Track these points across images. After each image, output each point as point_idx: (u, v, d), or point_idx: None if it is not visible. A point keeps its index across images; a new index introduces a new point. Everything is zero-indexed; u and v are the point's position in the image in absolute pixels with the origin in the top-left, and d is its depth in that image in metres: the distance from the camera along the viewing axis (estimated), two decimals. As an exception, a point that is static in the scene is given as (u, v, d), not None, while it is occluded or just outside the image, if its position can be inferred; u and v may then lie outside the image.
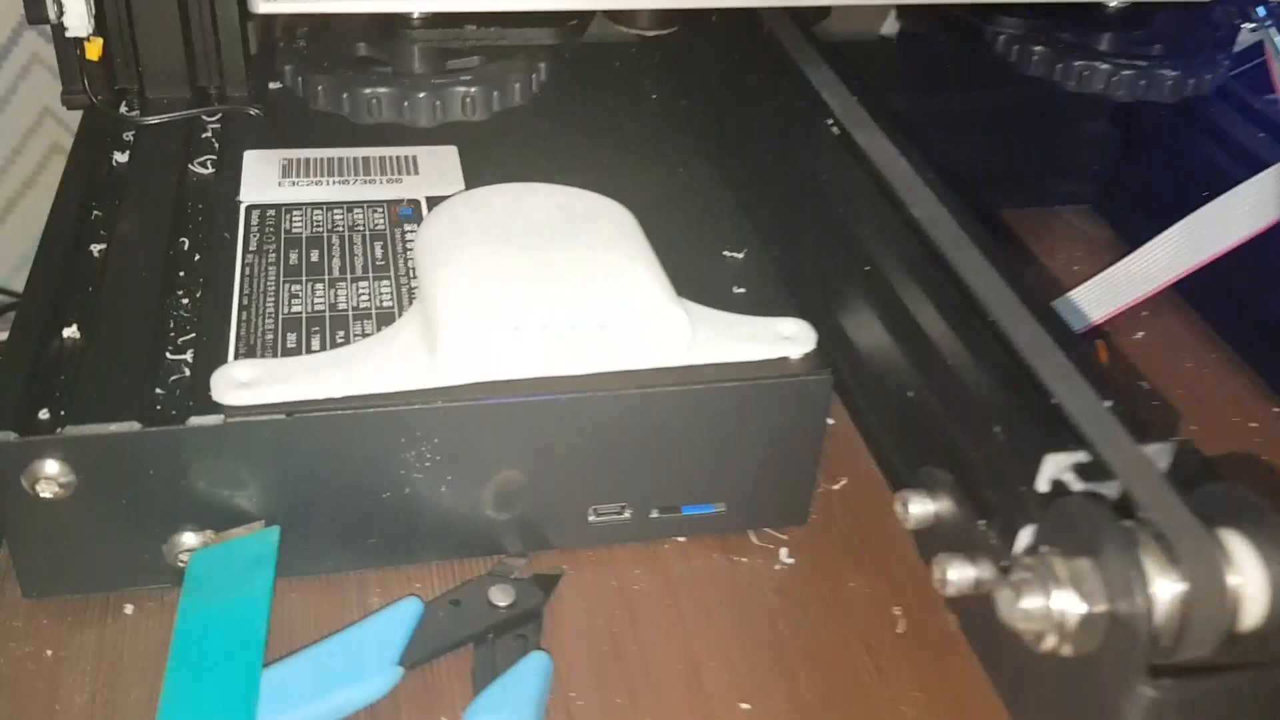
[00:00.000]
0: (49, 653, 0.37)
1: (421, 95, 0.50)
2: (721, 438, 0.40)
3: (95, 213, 0.45)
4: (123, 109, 0.52)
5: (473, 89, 0.51)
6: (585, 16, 0.53)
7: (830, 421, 0.45)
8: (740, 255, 0.44)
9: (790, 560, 0.42)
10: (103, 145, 0.49)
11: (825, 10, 0.53)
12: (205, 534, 0.37)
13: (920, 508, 0.34)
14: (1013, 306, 0.33)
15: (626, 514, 0.41)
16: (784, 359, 0.40)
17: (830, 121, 0.44)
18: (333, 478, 0.37)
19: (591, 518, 0.40)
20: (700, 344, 0.39)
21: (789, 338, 0.40)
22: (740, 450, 0.40)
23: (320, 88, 0.51)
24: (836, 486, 0.45)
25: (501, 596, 0.38)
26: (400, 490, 0.38)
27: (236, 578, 0.36)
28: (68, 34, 0.48)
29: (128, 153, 0.49)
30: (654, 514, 0.41)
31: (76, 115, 0.52)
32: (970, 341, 0.33)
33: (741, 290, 0.43)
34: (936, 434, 0.35)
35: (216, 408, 0.36)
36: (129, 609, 0.38)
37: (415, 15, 0.50)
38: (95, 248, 0.43)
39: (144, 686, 0.36)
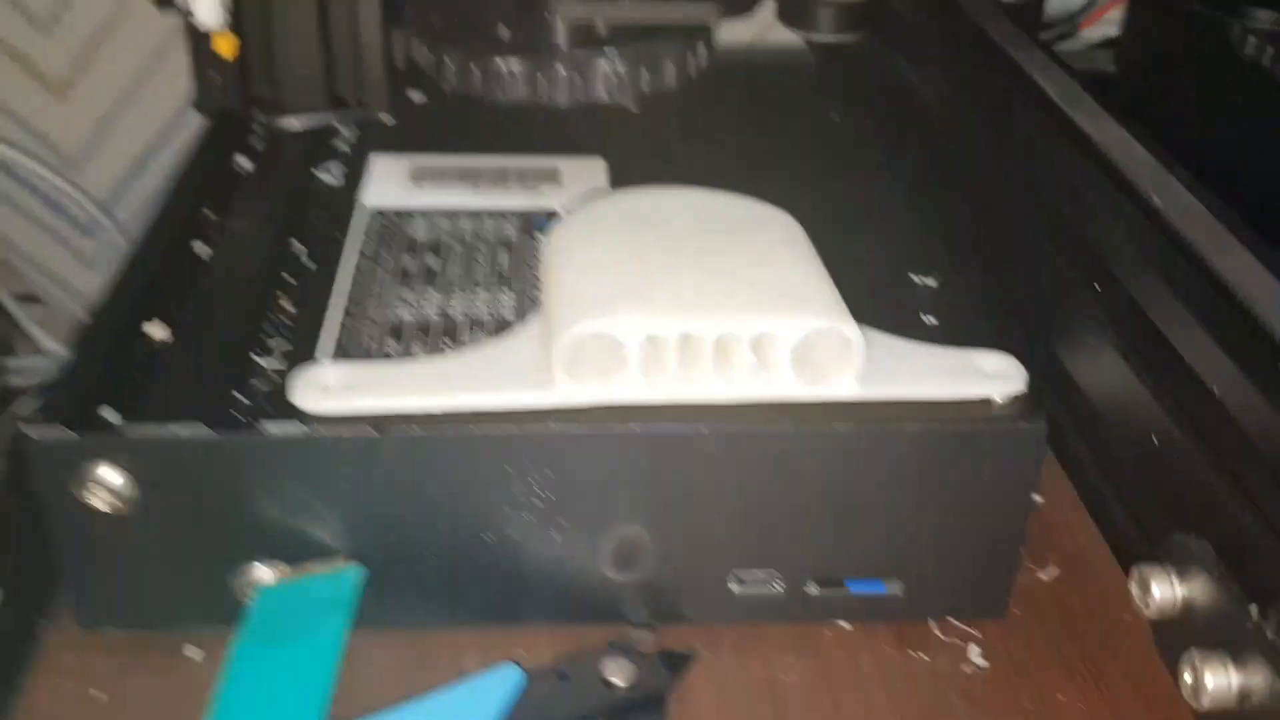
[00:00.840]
0: (100, 697, 0.32)
1: (561, 69, 0.44)
2: (901, 496, 0.32)
3: (206, 212, 0.41)
4: (255, 113, 0.48)
5: (619, 64, 0.44)
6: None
7: (1038, 499, 0.36)
8: (931, 280, 0.37)
9: (982, 662, 0.34)
10: (226, 149, 0.45)
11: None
12: (278, 567, 0.31)
13: (1165, 589, 0.26)
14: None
15: (777, 585, 0.33)
16: (985, 401, 0.32)
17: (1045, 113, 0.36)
18: (427, 509, 0.31)
19: (734, 586, 0.33)
20: (879, 376, 0.32)
21: (992, 375, 0.32)
22: (925, 514, 0.32)
23: (451, 62, 0.46)
24: (1045, 575, 0.36)
25: (619, 674, 0.31)
26: (504, 531, 0.31)
27: (305, 621, 0.30)
28: (195, 22, 0.45)
29: (251, 158, 0.45)
30: (812, 588, 0.33)
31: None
32: (1246, 364, 0.25)
33: (932, 319, 0.35)
34: (1192, 491, 0.26)
35: (297, 416, 0.30)
36: (194, 653, 0.33)
37: None
38: (199, 245, 0.39)
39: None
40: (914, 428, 0.31)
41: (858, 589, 0.33)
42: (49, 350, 0.73)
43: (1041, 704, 0.32)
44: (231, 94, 0.47)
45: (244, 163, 0.45)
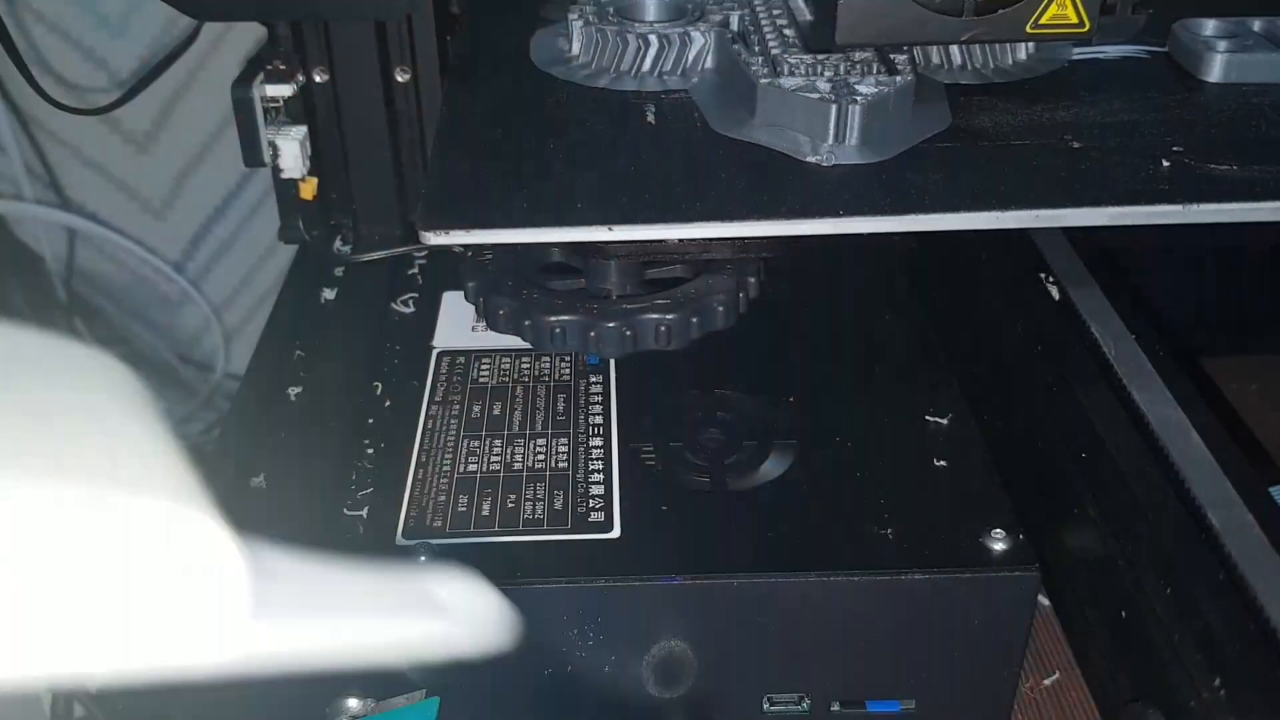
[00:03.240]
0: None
1: (610, 325, 0.42)
2: (913, 630, 0.36)
3: (298, 352, 0.46)
4: (337, 244, 0.53)
5: (668, 317, 0.42)
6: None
7: (1045, 601, 0.40)
8: (944, 421, 0.41)
9: (988, 770, 0.38)
10: (313, 281, 0.50)
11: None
12: (366, 702, 0.36)
13: (1138, 748, 0.30)
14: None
15: (804, 704, 0.37)
16: (986, 548, 0.36)
17: (1047, 277, 0.40)
18: (495, 651, 0.36)
19: (766, 706, 0.37)
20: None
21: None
22: (934, 645, 0.36)
23: (500, 311, 0.43)
24: (1048, 683, 0.40)
25: (664, 789, 0.36)
26: (562, 667, 0.36)
27: (394, 750, 0.35)
28: (282, 175, 0.50)
29: (336, 290, 0.50)
30: (835, 707, 0.37)
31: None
32: (1198, 564, 0.29)
33: (943, 464, 0.39)
34: (1151, 668, 0.30)
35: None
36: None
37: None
38: (293, 391, 0.44)
39: None
40: (925, 576, 0.35)
41: (876, 708, 0.38)
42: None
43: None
44: (312, 228, 0.52)
45: (328, 293, 0.50)
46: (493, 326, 0.43)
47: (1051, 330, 0.39)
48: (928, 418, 0.41)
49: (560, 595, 0.35)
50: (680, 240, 0.41)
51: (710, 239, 0.39)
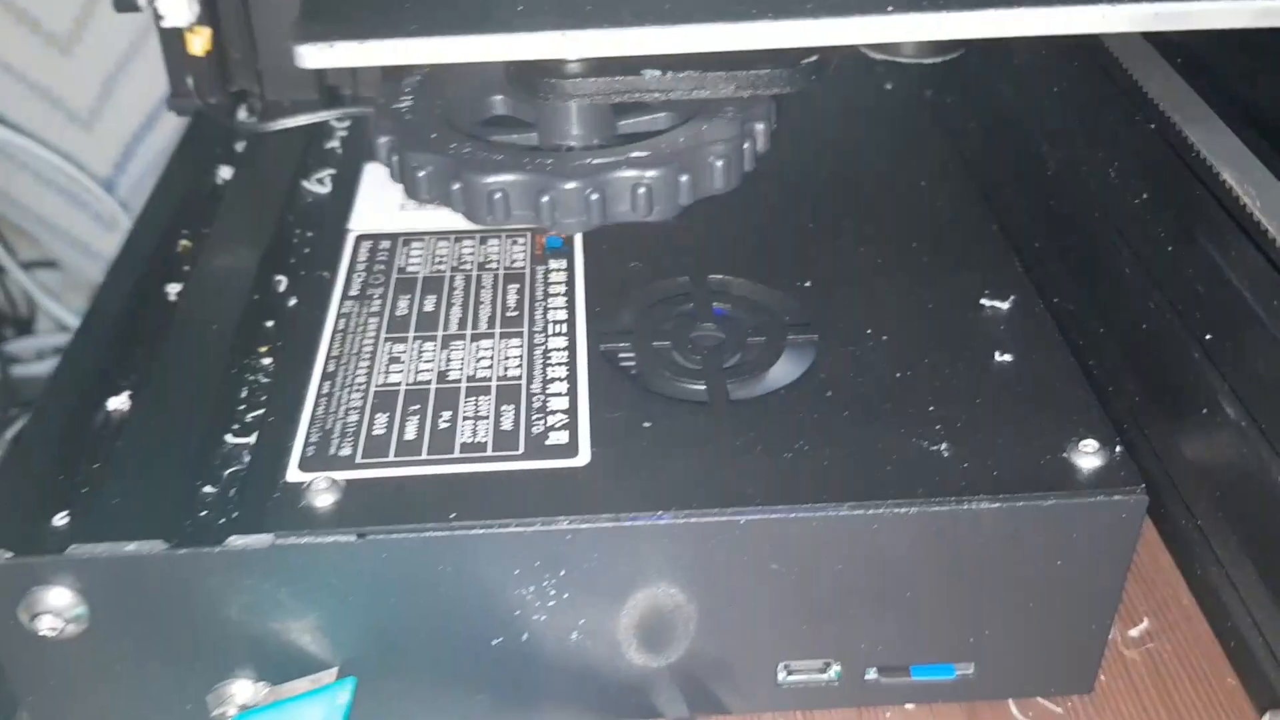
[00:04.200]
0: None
1: (570, 186, 0.32)
2: (975, 575, 0.27)
3: (182, 242, 0.37)
4: (242, 115, 0.44)
5: (649, 174, 0.32)
6: (826, 51, 0.33)
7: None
8: (1005, 305, 0.32)
9: (1068, 744, 0.29)
10: (205, 158, 0.41)
11: None
12: (259, 686, 0.28)
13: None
14: None
15: (832, 672, 0.29)
16: (1072, 465, 0.27)
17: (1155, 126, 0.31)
18: (426, 617, 0.27)
19: (783, 676, 0.29)
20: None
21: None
22: (1004, 595, 0.28)
23: (420, 173, 0.33)
24: (1134, 632, 0.32)
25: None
26: (517, 635, 0.28)
27: (293, 749, 0.27)
28: (163, 23, 0.40)
29: (234, 165, 0.40)
30: (871, 675, 0.29)
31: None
32: None
33: (1006, 358, 0.30)
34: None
35: (267, 522, 0.26)
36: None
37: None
38: (172, 288, 0.35)
39: None
40: (991, 505, 0.26)
41: (923, 675, 0.29)
42: (64, 321, 0.70)
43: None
44: (208, 93, 0.42)
45: (225, 173, 0.40)
46: (412, 193, 0.33)
47: (1153, 172, 0.30)
48: (983, 302, 0.32)
49: (511, 543, 0.26)
50: (666, 73, 0.31)
51: (716, 52, 0.29)
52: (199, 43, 0.41)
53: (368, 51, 0.24)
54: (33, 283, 0.71)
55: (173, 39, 0.41)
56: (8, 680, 0.28)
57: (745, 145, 0.33)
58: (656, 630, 0.28)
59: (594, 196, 0.31)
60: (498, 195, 0.31)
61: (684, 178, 0.32)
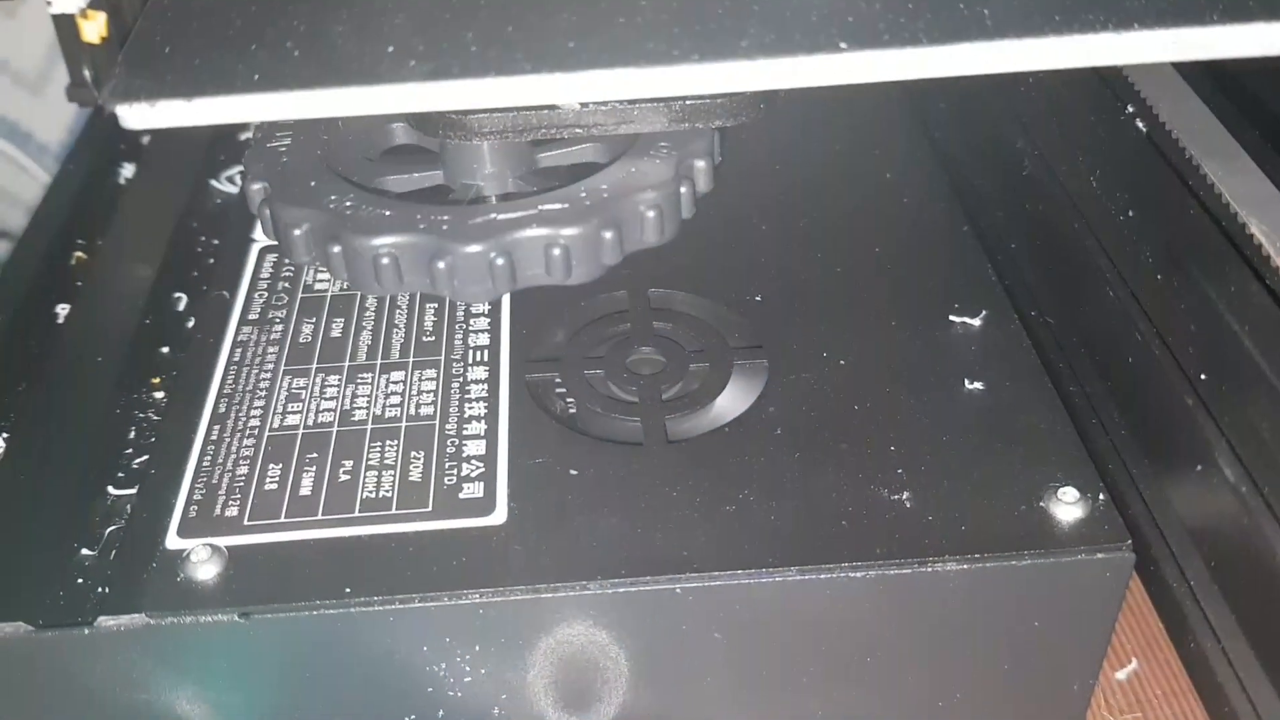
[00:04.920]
0: None
1: (471, 250, 0.26)
2: (943, 639, 0.24)
3: (77, 254, 0.33)
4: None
5: (564, 234, 0.26)
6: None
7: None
8: (976, 321, 0.29)
9: (1048, 808, 0.27)
10: (104, 155, 0.37)
11: None
12: (146, 769, 0.25)
13: None
14: None
15: (788, 737, 0.26)
16: (1050, 517, 0.24)
17: (1133, 110, 0.27)
18: (327, 694, 0.24)
19: (733, 741, 0.26)
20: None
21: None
22: (974, 657, 0.25)
23: (295, 231, 0.27)
24: (1120, 675, 0.29)
25: None
26: (431, 712, 0.25)
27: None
28: (52, 10, 0.36)
29: (135, 165, 0.37)
30: (832, 737, 0.26)
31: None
32: None
33: (977, 386, 0.27)
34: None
35: (141, 599, 0.23)
36: None
37: None
38: (60, 309, 0.31)
39: None
40: (958, 566, 0.23)
41: (892, 739, 0.26)
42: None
43: None
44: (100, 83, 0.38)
45: (127, 171, 0.37)
46: (287, 254, 0.28)
47: (1142, 184, 0.27)
48: (952, 318, 0.29)
49: (416, 618, 0.23)
50: (587, 104, 0.27)
51: (625, 102, 0.25)
52: (93, 29, 0.37)
53: (199, 110, 0.20)
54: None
55: (66, 25, 0.37)
56: None
57: (683, 189, 0.28)
58: (588, 702, 0.25)
59: (500, 261, 0.26)
60: (385, 261, 0.26)
61: (608, 234, 0.27)
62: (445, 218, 0.27)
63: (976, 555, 0.23)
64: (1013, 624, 0.24)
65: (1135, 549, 0.23)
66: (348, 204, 0.27)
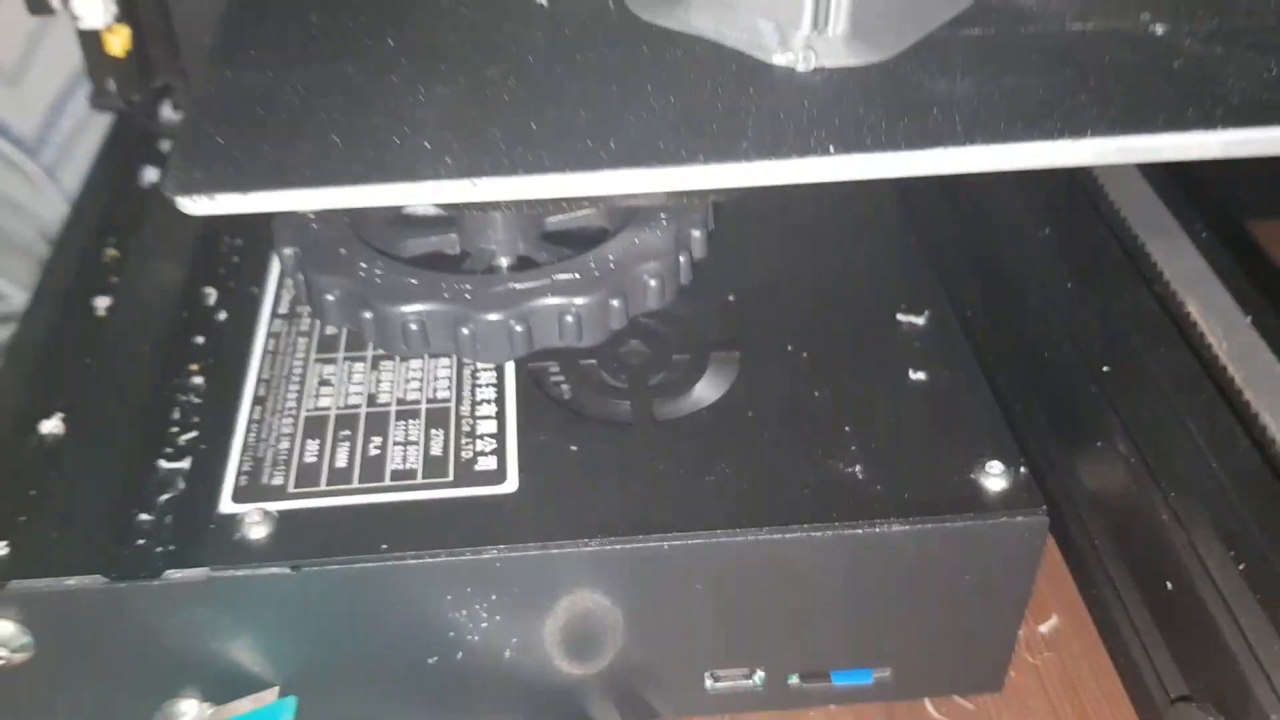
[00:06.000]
0: None
1: (492, 319, 0.30)
2: (889, 589, 0.29)
3: (109, 251, 0.37)
4: (167, 112, 0.43)
5: (576, 303, 0.30)
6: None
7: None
8: (920, 320, 0.33)
9: (978, 739, 0.31)
10: (131, 159, 0.40)
11: None
12: (204, 706, 0.28)
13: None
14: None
15: (756, 679, 0.30)
16: (979, 486, 0.28)
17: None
18: (363, 639, 0.28)
19: (709, 683, 0.30)
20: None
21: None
22: (914, 605, 0.29)
23: (329, 297, 0.31)
24: (1043, 628, 0.34)
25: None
26: (451, 654, 0.28)
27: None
28: (80, 25, 0.39)
29: (159, 168, 0.40)
30: (793, 680, 0.30)
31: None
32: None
33: (920, 376, 0.31)
34: (1207, 655, 0.23)
35: (203, 555, 0.27)
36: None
37: None
38: (100, 301, 0.35)
39: None
40: (901, 528, 0.27)
41: (843, 680, 0.31)
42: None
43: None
44: (130, 92, 0.41)
45: (151, 175, 0.40)
46: (321, 317, 0.31)
47: (1061, 206, 0.31)
48: (899, 316, 0.33)
49: (442, 572, 0.27)
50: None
51: (634, 194, 0.28)
52: (118, 43, 0.40)
53: (254, 201, 0.23)
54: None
55: (91, 40, 0.40)
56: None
57: (681, 258, 0.32)
58: (587, 645, 0.29)
59: (518, 329, 0.30)
60: (414, 327, 0.30)
61: (615, 302, 0.31)
62: (467, 287, 0.30)
63: (917, 519, 0.27)
64: (948, 577, 0.28)
65: (1050, 514, 0.28)
66: (377, 272, 0.31)
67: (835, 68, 0.24)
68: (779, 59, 0.25)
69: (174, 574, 0.26)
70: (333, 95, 0.26)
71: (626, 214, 0.32)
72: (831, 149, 0.23)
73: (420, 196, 0.23)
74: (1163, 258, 0.25)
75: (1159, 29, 0.25)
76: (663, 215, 0.32)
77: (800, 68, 0.24)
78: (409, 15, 0.29)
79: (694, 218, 0.32)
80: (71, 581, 0.26)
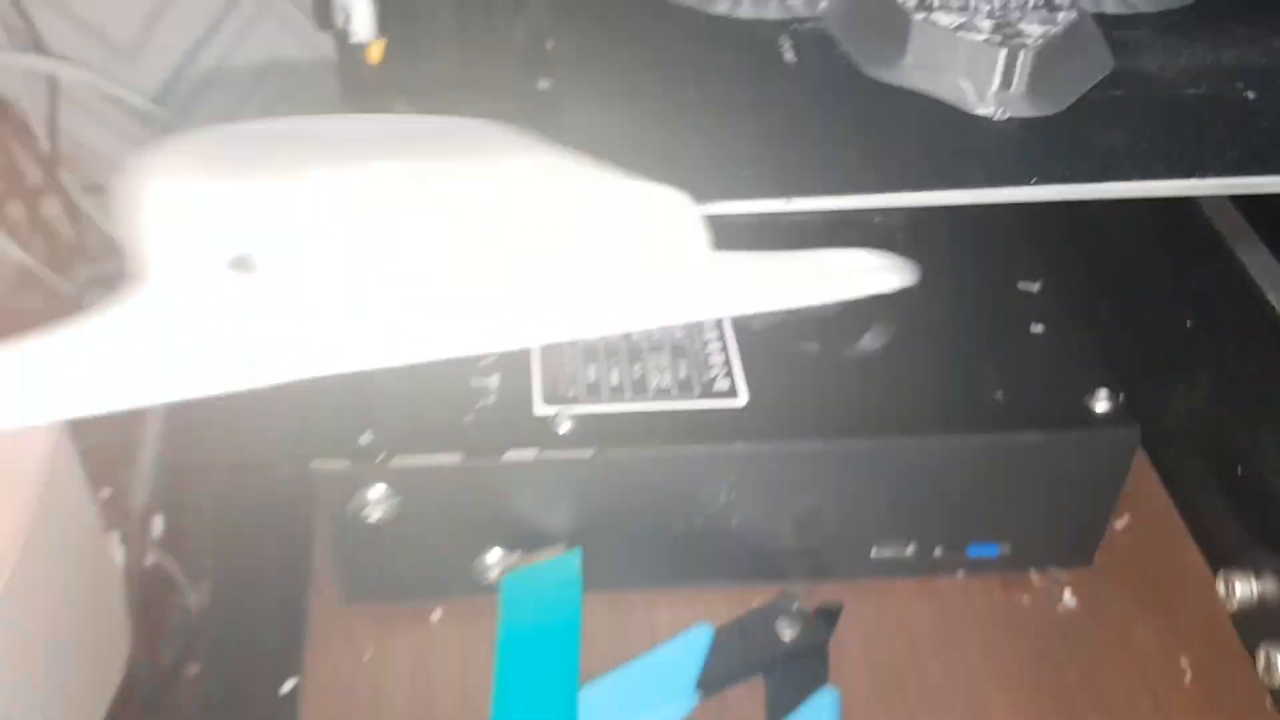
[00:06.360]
0: (367, 656, 0.40)
1: None
2: (1017, 484, 0.39)
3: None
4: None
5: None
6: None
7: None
8: (1035, 288, 0.43)
9: (1073, 603, 0.41)
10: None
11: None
12: (514, 554, 0.39)
13: (1246, 589, 0.33)
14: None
15: (909, 550, 0.41)
16: (1089, 409, 0.38)
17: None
18: (631, 508, 0.39)
19: (875, 553, 0.41)
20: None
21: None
22: (1033, 497, 0.39)
23: None
24: (1120, 524, 0.44)
25: (788, 629, 0.39)
26: (692, 523, 0.39)
27: (548, 600, 0.38)
28: (352, 40, 0.48)
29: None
30: (938, 552, 0.41)
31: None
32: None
33: (1040, 328, 0.41)
34: (1270, 513, 0.33)
35: (529, 441, 0.37)
36: (436, 615, 0.41)
37: None
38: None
39: (455, 691, 0.38)
40: (1032, 437, 0.38)
41: (975, 553, 0.41)
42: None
43: (1123, 636, 0.40)
44: (378, 91, 0.50)
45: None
46: None
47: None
48: (1019, 285, 0.43)
49: (695, 459, 0.37)
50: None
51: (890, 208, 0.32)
52: (375, 52, 0.49)
53: None
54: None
55: (354, 53, 0.49)
56: (333, 552, 0.39)
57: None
58: (793, 521, 0.39)
59: None
60: None
61: None
62: None
63: (1043, 430, 0.38)
64: (1062, 475, 0.39)
65: (1140, 430, 0.38)
66: None
67: (1022, 118, 0.32)
68: (981, 111, 0.32)
69: (512, 454, 0.37)
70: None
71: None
72: (1035, 179, 0.30)
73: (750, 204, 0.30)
74: (1238, 247, 0.36)
75: (1250, 95, 0.34)
76: None
77: (997, 117, 0.32)
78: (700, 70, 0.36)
79: None
80: (438, 458, 0.37)
